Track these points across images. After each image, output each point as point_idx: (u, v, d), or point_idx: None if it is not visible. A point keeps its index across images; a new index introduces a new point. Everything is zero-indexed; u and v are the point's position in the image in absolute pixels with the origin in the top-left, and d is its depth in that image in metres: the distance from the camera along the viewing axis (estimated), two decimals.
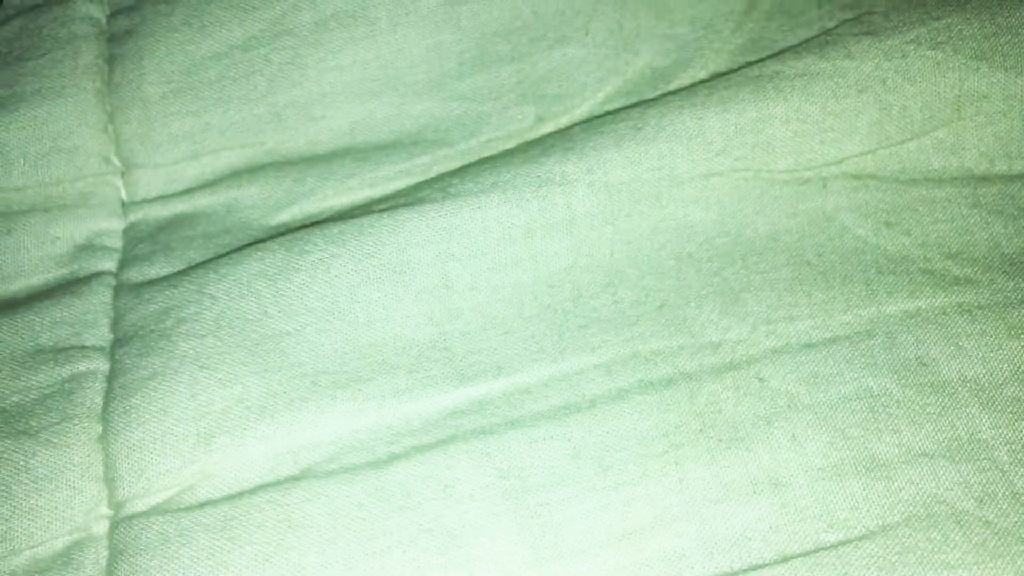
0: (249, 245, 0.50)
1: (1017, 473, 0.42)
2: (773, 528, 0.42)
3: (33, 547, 0.44)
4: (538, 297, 0.49)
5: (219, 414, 0.45)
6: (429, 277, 0.49)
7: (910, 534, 0.41)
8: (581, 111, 0.54)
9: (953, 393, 0.45)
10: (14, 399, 0.47)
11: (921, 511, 0.42)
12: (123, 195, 0.54)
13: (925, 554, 0.41)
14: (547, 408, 0.46)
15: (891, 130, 0.51)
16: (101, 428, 0.46)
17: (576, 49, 0.55)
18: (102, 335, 0.49)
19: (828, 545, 0.41)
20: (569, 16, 0.55)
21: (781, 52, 0.53)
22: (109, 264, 0.52)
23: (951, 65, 0.50)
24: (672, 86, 0.54)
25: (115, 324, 0.49)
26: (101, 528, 0.44)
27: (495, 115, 0.55)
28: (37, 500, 0.44)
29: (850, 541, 0.41)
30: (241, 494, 0.44)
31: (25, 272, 0.52)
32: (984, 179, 0.51)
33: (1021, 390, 0.44)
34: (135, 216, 0.54)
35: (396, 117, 0.55)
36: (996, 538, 0.41)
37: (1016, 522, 0.41)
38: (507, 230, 0.49)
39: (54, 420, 0.46)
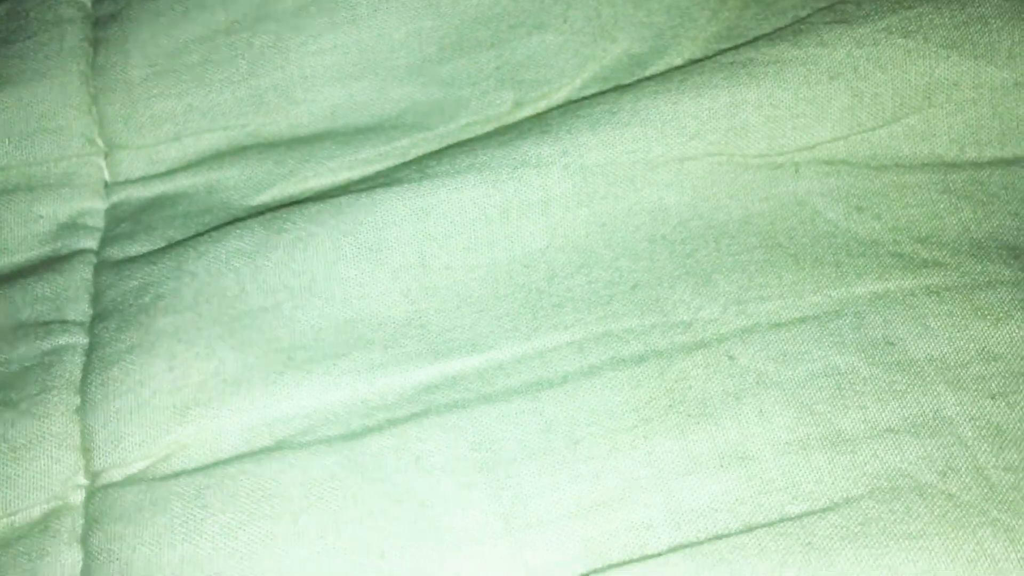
0: (229, 224, 0.51)
1: (980, 448, 0.43)
2: (739, 500, 0.43)
3: (10, 515, 0.44)
4: (513, 276, 0.50)
5: (195, 387, 0.46)
6: (405, 256, 0.49)
7: (873, 506, 0.42)
8: (559, 96, 0.55)
9: (919, 371, 0.45)
10: None
11: (885, 484, 0.42)
12: (106, 175, 0.55)
13: (888, 525, 0.41)
14: (520, 384, 0.46)
15: (862, 116, 0.51)
16: (79, 400, 0.46)
17: (554, 35, 0.56)
18: (82, 310, 0.49)
19: (792, 516, 0.42)
20: (548, 3, 0.56)
21: (755, 40, 0.54)
22: (91, 242, 0.52)
23: (922, 53, 0.51)
24: (648, 72, 0.55)
25: (95, 300, 0.50)
26: (77, 497, 0.45)
27: (474, 100, 0.55)
28: (15, 469, 0.45)
29: (814, 512, 0.42)
30: (216, 464, 0.45)
31: (8, 250, 0.52)
32: (954, 165, 0.52)
33: (985, 369, 0.45)
34: (117, 196, 0.54)
35: (376, 101, 0.56)
36: (958, 510, 0.41)
37: (978, 495, 0.42)
38: (483, 211, 0.50)
39: (33, 392, 0.46)
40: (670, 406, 0.45)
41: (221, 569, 0.42)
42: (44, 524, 0.44)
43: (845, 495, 0.42)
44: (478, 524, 0.43)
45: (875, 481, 0.43)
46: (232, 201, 0.53)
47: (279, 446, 0.45)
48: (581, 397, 0.46)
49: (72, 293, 0.50)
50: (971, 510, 0.41)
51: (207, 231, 0.51)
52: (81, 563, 0.43)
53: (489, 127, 0.55)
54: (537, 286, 0.50)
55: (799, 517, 0.42)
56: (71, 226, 0.53)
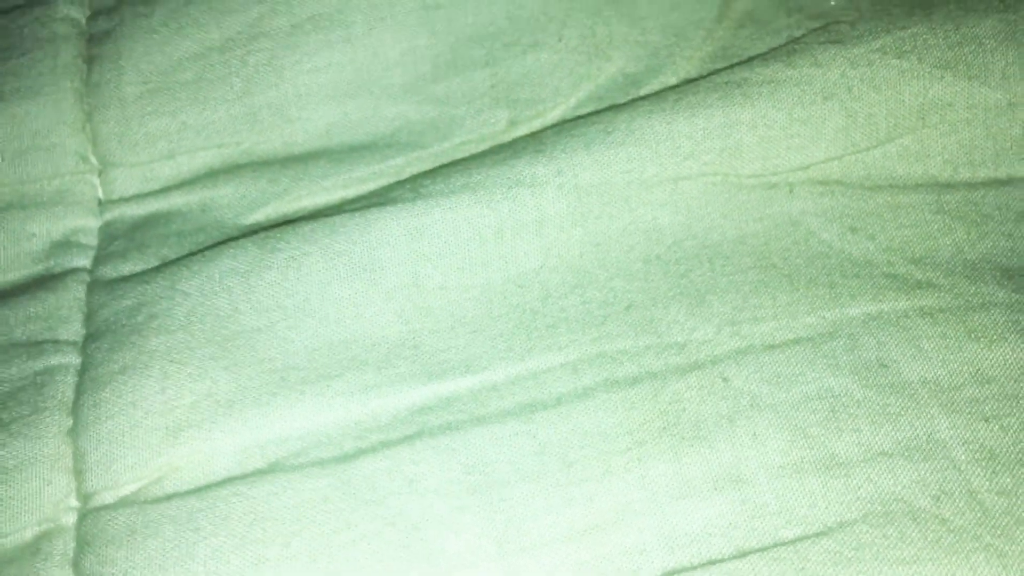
0: (222, 243, 0.51)
1: (973, 472, 0.43)
2: (733, 524, 0.43)
3: (2, 537, 0.44)
4: (507, 297, 0.50)
5: (187, 408, 0.46)
6: (399, 276, 0.49)
7: (867, 530, 0.42)
8: (553, 115, 0.55)
9: (913, 394, 0.45)
10: None
11: (878, 508, 0.42)
12: (100, 193, 0.55)
13: (881, 550, 0.41)
14: (513, 405, 0.46)
15: (857, 137, 0.51)
16: (71, 421, 0.46)
17: (549, 54, 0.56)
18: (75, 330, 0.49)
19: (786, 541, 0.42)
20: (543, 22, 0.56)
21: (750, 60, 0.54)
22: (84, 261, 0.52)
23: (916, 74, 0.51)
24: (643, 92, 0.55)
25: (88, 319, 0.50)
26: (69, 519, 0.45)
27: (468, 118, 0.55)
28: (7, 491, 0.45)
29: (808, 537, 0.42)
30: (208, 487, 0.45)
31: (1, 268, 0.52)
32: (948, 186, 0.52)
33: (979, 391, 0.45)
34: (111, 214, 0.54)
35: (371, 119, 0.56)
36: (951, 535, 0.41)
37: (971, 520, 0.42)
38: (477, 230, 0.50)
39: (25, 412, 0.46)
40: (664, 428, 0.45)
41: None
42: (36, 547, 0.44)
43: (839, 519, 0.42)
44: (471, 548, 0.43)
45: (869, 505, 0.42)
46: (226, 219, 0.53)
47: (272, 468, 0.45)
48: (575, 419, 0.46)
49: (65, 312, 0.50)
50: (964, 535, 0.41)
51: (200, 250, 0.51)
52: None
53: (483, 146, 0.55)
54: (531, 307, 0.49)
55: (793, 542, 0.42)
56: (64, 244, 0.53)
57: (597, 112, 0.54)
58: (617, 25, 0.56)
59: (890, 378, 0.46)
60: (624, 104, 0.54)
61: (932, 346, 0.46)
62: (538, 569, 0.42)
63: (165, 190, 0.55)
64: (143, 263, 0.52)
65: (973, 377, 0.46)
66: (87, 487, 0.45)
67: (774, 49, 0.54)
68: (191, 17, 0.56)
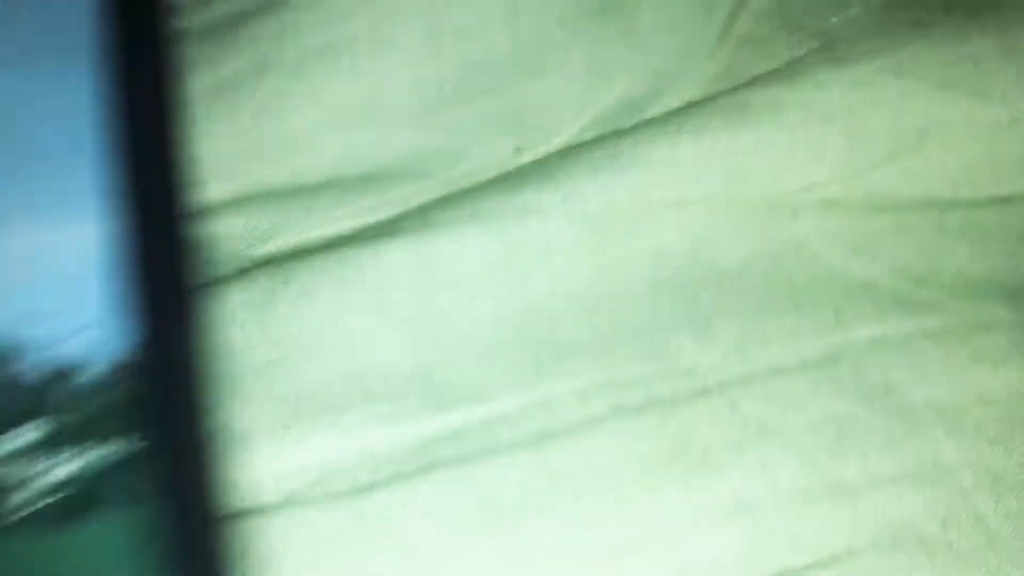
0: (233, 276, 0.52)
1: (979, 496, 0.44)
2: (743, 552, 0.43)
3: None
4: (516, 325, 0.50)
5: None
6: (409, 307, 0.50)
7: (875, 557, 0.43)
8: (559, 141, 0.55)
9: (918, 418, 0.46)
10: None
11: (886, 534, 0.43)
12: None
13: None
14: (524, 435, 0.47)
15: (858, 158, 0.52)
16: None
17: (553, 81, 0.56)
18: None
19: (796, 569, 0.43)
20: (547, 49, 0.56)
21: (752, 81, 0.54)
22: None
23: (915, 93, 0.52)
24: (647, 115, 0.55)
25: None
26: None
27: (475, 146, 0.56)
28: None
29: (817, 565, 0.43)
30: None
31: None
32: (949, 205, 0.52)
33: (984, 414, 0.46)
34: None
35: (378, 148, 0.56)
36: (958, 560, 0.42)
37: (977, 544, 0.42)
38: (486, 260, 0.50)
39: None
40: (674, 456, 0.46)
41: None
42: None
43: (847, 546, 0.43)
44: None
45: (877, 531, 0.43)
46: (236, 251, 0.54)
47: (286, 501, 0.46)
48: (584, 447, 0.46)
49: None
50: (971, 560, 0.42)
51: (212, 283, 0.52)
52: None
53: (490, 173, 0.55)
54: (540, 335, 0.50)
55: (802, 570, 0.42)
56: None
57: (602, 137, 0.54)
58: (619, 50, 0.56)
59: (895, 402, 0.46)
60: (629, 129, 0.54)
61: (936, 369, 0.47)
62: None
63: None
64: None
65: (977, 400, 0.46)
66: None
67: (776, 70, 0.54)
68: (202, 54, 0.56)
